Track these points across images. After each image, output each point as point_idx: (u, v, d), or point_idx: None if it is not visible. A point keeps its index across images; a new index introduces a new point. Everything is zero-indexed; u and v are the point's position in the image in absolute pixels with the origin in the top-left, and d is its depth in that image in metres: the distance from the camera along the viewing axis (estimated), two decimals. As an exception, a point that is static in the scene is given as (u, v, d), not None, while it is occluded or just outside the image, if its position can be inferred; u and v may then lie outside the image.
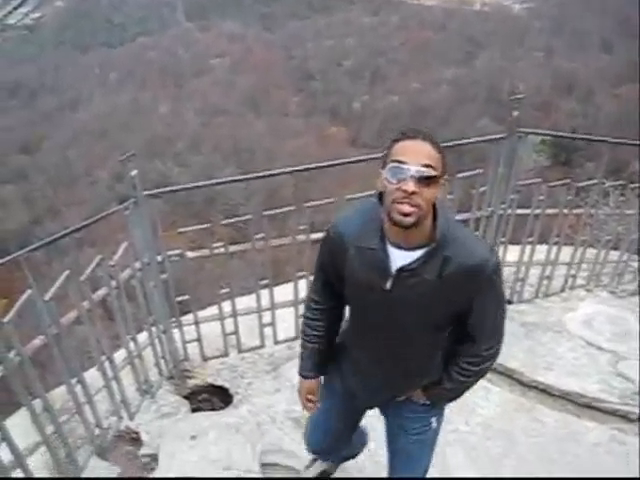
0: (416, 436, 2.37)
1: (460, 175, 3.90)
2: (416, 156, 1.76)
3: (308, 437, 2.73)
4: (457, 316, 2.00)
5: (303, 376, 2.41)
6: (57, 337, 2.90)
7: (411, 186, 1.73)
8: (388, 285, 1.91)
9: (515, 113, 3.87)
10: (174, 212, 26.75)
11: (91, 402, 3.25)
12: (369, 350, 2.16)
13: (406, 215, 1.76)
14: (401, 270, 1.88)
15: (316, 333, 2.30)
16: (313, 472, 2.98)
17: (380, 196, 1.89)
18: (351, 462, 3.18)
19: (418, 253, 1.87)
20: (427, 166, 1.75)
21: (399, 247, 1.89)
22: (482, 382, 3.81)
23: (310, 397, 2.42)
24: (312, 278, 2.37)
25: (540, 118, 33.02)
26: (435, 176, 1.77)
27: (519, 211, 4.25)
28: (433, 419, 2.36)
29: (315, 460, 2.99)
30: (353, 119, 47.32)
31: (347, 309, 2.26)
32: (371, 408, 2.47)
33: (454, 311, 1.98)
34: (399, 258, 1.89)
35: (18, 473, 2.82)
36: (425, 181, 1.75)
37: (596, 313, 4.45)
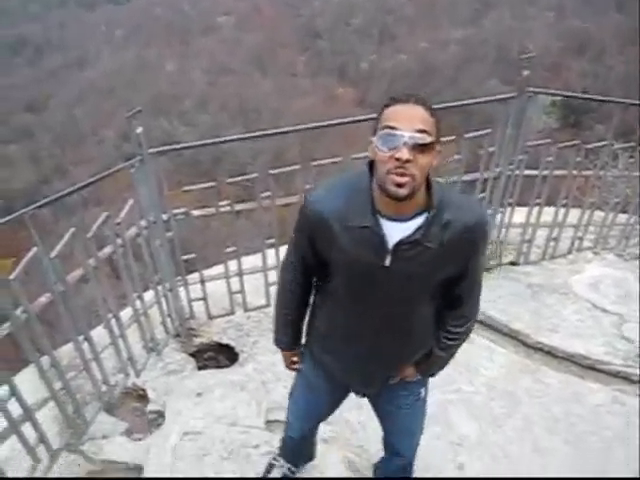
0: (408, 410, 2.37)
1: (468, 135, 3.87)
2: (409, 121, 1.64)
3: (291, 424, 2.68)
4: (450, 280, 1.94)
5: (280, 348, 2.38)
6: (63, 294, 2.92)
7: (405, 154, 1.62)
8: (387, 262, 1.81)
9: (525, 72, 3.81)
10: (180, 172, 26.63)
11: (98, 359, 3.29)
12: (365, 332, 2.04)
13: (400, 186, 1.66)
14: (400, 244, 1.78)
15: (290, 305, 2.23)
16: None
17: (371, 165, 1.79)
18: (354, 420, 3.22)
19: (417, 222, 1.77)
20: (421, 131, 1.64)
21: (393, 219, 1.79)
22: (486, 343, 3.89)
23: (294, 360, 2.40)
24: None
25: (550, 79, 32.55)
26: (430, 142, 1.66)
27: (527, 172, 4.22)
28: (422, 389, 2.35)
29: (272, 466, 2.94)
30: (361, 79, 46.82)
31: (320, 296, 2.17)
32: (364, 396, 2.38)
33: (450, 276, 1.92)
34: (396, 231, 1.78)
35: (27, 427, 2.87)
36: (419, 148, 1.64)
37: (602, 276, 4.46)
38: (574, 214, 4.59)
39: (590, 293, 4.27)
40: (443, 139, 3.79)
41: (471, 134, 3.90)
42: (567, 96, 4.34)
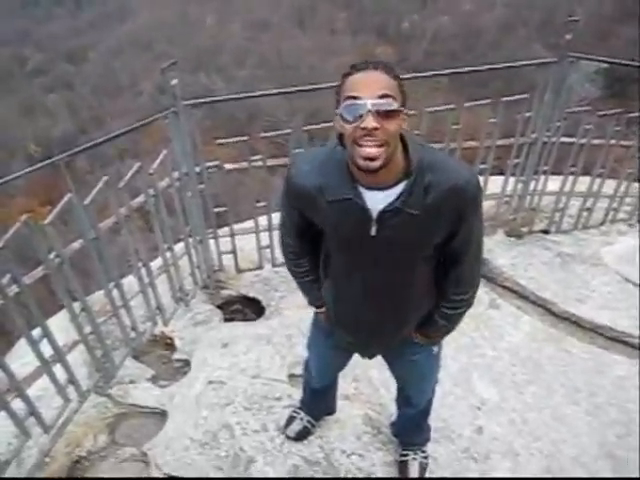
0: (421, 363, 2.39)
1: (505, 99, 3.81)
2: (370, 88, 1.59)
3: (311, 376, 2.75)
4: (443, 243, 1.89)
5: (318, 306, 2.33)
6: (96, 241, 2.98)
7: (371, 122, 1.57)
8: (373, 232, 1.79)
9: (567, 36, 3.72)
10: (216, 127, 26.59)
11: (127, 306, 3.36)
12: (360, 297, 2.04)
13: (372, 159, 1.61)
14: (383, 212, 1.75)
15: (305, 269, 2.21)
16: (293, 430, 3.00)
17: (341, 139, 1.72)
18: (377, 378, 3.25)
19: (398, 189, 1.74)
20: (384, 96, 1.58)
21: (373, 188, 1.75)
22: (512, 309, 3.88)
23: None
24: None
25: (596, 46, 31.64)
26: (396, 107, 1.61)
27: (564, 139, 4.14)
28: (434, 347, 2.34)
29: (293, 418, 3.02)
30: (401, 39, 45.92)
31: (325, 258, 2.12)
32: (370, 358, 2.41)
33: (440, 238, 1.86)
34: (378, 200, 1.75)
35: (58, 368, 2.96)
36: (385, 114, 1.58)
37: (634, 248, 4.39)
38: (610, 185, 4.51)
39: (621, 265, 4.22)
40: (481, 102, 3.78)
41: (508, 98, 3.83)
42: (609, 62, 4.21)
